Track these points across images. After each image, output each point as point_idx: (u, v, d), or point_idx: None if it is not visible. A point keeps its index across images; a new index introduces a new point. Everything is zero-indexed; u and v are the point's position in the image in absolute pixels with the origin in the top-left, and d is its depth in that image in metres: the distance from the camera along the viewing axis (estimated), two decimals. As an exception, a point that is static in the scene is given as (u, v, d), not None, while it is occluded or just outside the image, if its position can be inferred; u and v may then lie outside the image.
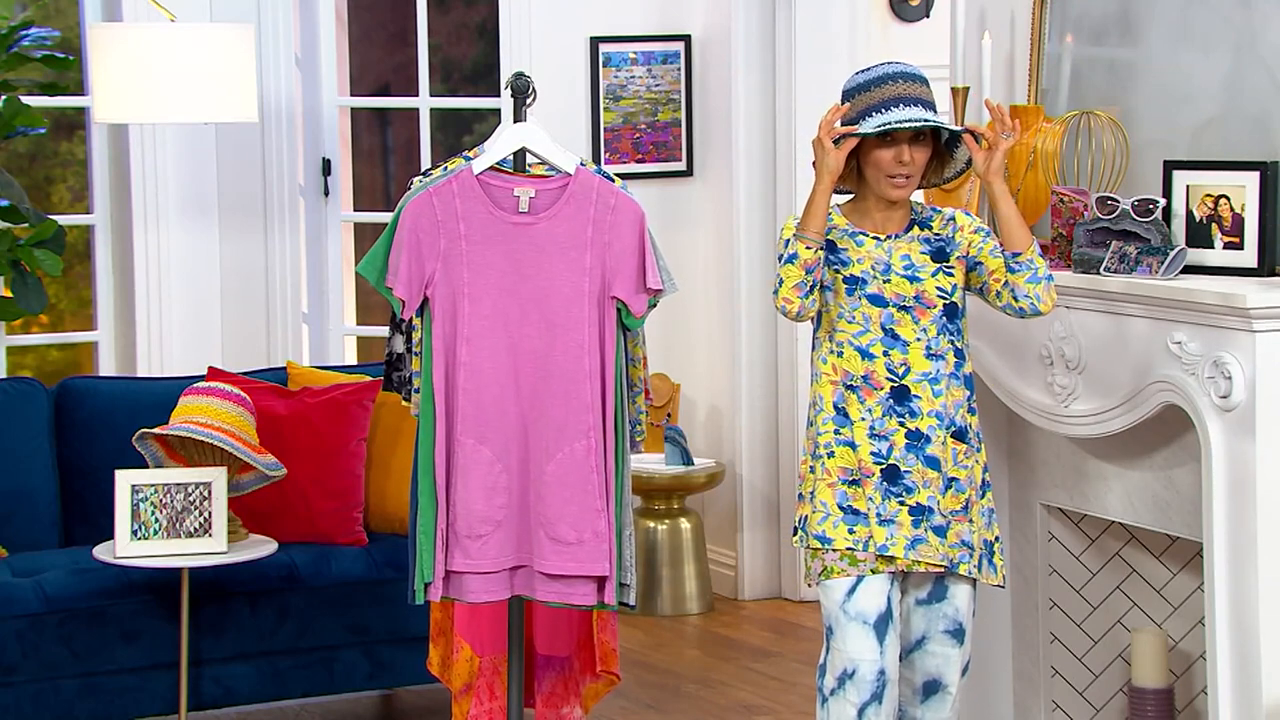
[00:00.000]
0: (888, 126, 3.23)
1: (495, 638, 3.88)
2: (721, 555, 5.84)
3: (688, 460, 5.60)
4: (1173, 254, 3.49)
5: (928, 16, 6.05)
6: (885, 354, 3.31)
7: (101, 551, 4.19)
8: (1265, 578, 3.29)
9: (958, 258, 3.35)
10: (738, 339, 5.71)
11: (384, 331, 4.42)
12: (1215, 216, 3.50)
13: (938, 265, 3.34)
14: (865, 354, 3.32)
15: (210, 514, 4.14)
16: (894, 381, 3.31)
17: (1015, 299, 3.31)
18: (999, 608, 4.05)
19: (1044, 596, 3.99)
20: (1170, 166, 3.58)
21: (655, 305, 3.41)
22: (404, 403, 3.96)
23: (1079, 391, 3.65)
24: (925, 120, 3.24)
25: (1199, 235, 3.52)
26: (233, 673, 4.38)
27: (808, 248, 3.26)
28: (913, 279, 3.32)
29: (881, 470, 3.30)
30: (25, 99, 5.08)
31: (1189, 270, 3.51)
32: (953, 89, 3.96)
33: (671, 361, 5.84)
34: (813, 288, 3.29)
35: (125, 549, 4.12)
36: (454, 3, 6.68)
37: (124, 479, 4.13)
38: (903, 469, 3.30)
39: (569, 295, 3.35)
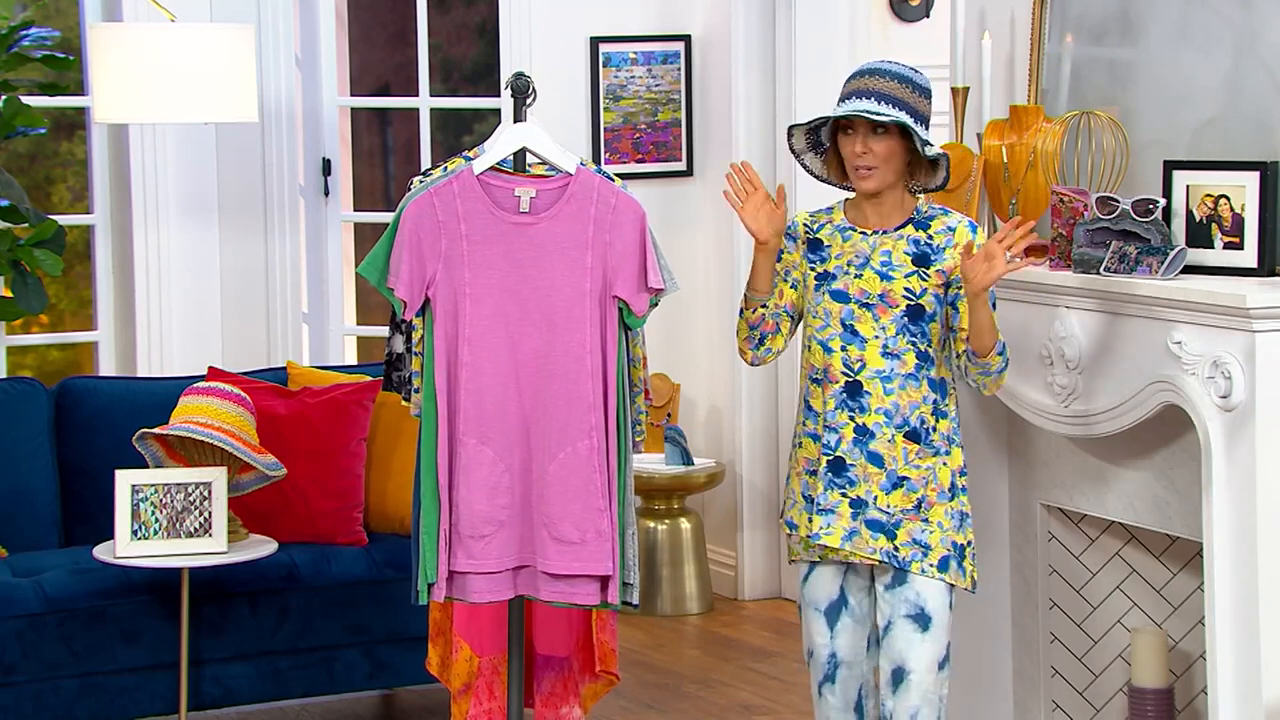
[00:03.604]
0: (814, 119, 3.36)
1: (494, 638, 3.88)
2: (721, 555, 5.84)
3: (688, 460, 5.60)
4: (1173, 254, 3.49)
5: (928, 16, 6.05)
6: (843, 349, 3.38)
7: (101, 551, 4.19)
8: (1265, 578, 3.29)
9: (938, 270, 3.37)
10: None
11: (384, 331, 4.42)
12: (1215, 216, 3.51)
13: (915, 268, 3.36)
14: (826, 348, 3.41)
15: (210, 514, 4.14)
16: (849, 376, 3.37)
17: (964, 373, 3.41)
18: (999, 607, 4.06)
19: (1044, 596, 3.99)
20: (1170, 166, 3.58)
21: (656, 304, 3.41)
22: (404, 403, 3.96)
23: (1079, 391, 3.65)
24: (855, 111, 3.26)
25: (1199, 235, 3.52)
26: (233, 673, 4.38)
27: (749, 308, 3.44)
28: (885, 276, 3.36)
29: (828, 461, 3.39)
30: (25, 99, 5.08)
31: (1189, 270, 3.51)
32: (953, 89, 3.96)
33: (671, 361, 5.84)
34: (762, 339, 3.46)
35: (125, 549, 4.12)
36: (454, 3, 6.69)
37: (124, 479, 4.14)
38: (848, 462, 3.37)
39: (570, 295, 3.35)
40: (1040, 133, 3.81)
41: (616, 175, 3.47)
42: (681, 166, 5.86)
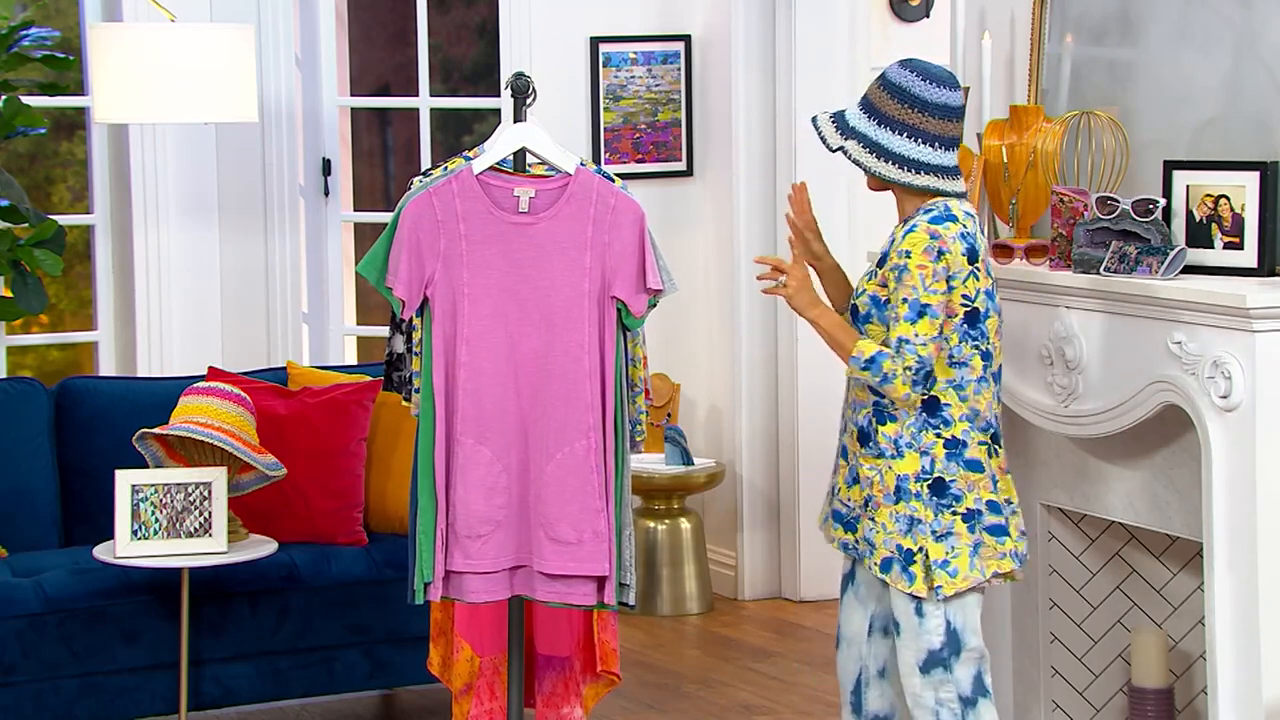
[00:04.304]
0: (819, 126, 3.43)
1: (495, 638, 3.88)
2: (721, 555, 5.84)
3: (688, 460, 5.60)
4: (1173, 254, 3.49)
5: (928, 16, 6.05)
6: None
7: (101, 551, 4.19)
8: (1265, 577, 3.29)
9: (883, 273, 3.39)
10: (738, 339, 5.71)
11: (384, 331, 4.42)
12: (1215, 216, 3.50)
13: (874, 268, 3.42)
14: None
15: (210, 514, 4.14)
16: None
17: None
18: (999, 607, 4.06)
19: (1044, 596, 3.99)
20: (1170, 166, 3.58)
21: (655, 305, 3.41)
22: (404, 403, 3.96)
23: (1079, 391, 3.65)
24: (819, 119, 3.40)
25: (1199, 235, 3.52)
26: (233, 673, 4.38)
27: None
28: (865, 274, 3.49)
29: (838, 447, 3.53)
30: (25, 99, 5.08)
31: (1189, 270, 3.51)
32: (953, 89, 3.96)
33: (671, 361, 5.83)
34: None
35: (125, 549, 4.12)
36: (454, 3, 6.69)
37: (124, 479, 4.14)
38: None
39: (569, 295, 3.35)
40: (1040, 133, 3.81)
41: (616, 175, 3.47)
42: (681, 166, 5.86)
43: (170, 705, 4.31)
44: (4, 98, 5.01)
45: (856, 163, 3.37)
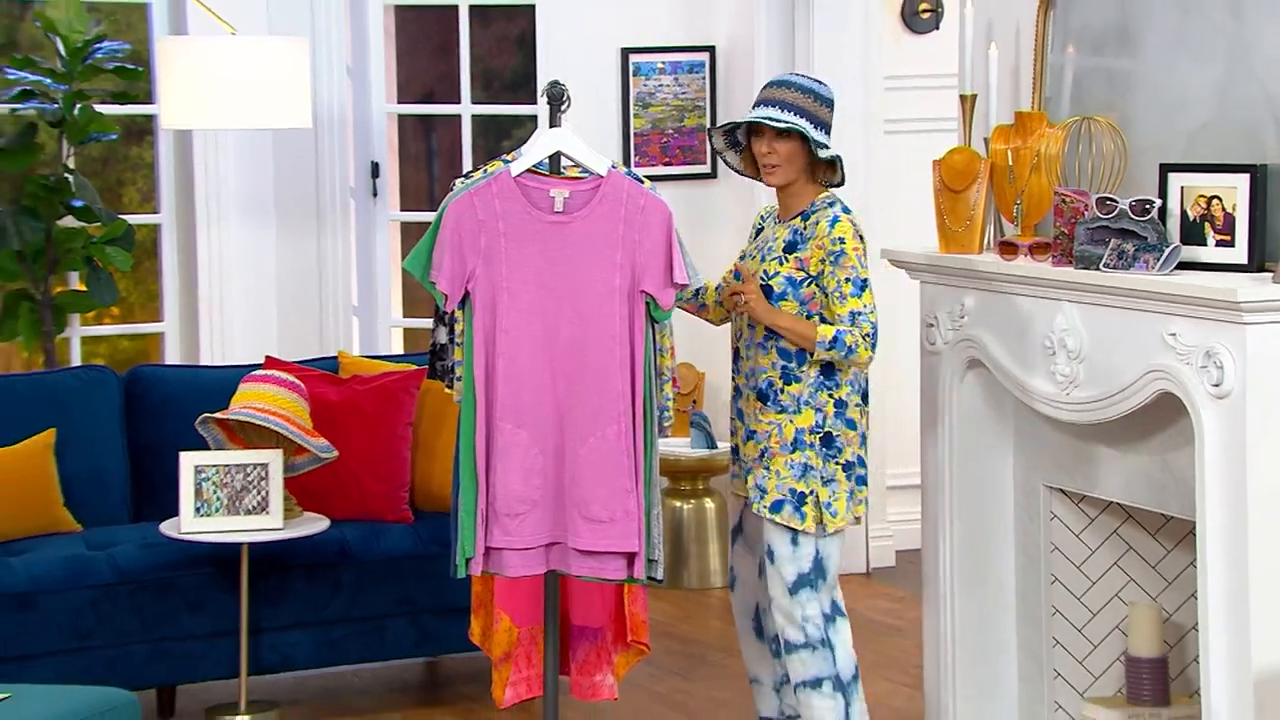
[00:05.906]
0: (727, 123, 3.71)
1: (532, 609, 3.90)
2: (744, 533, 5.84)
3: (712, 444, 5.61)
4: (1168, 251, 3.48)
5: (937, 28, 6.03)
6: (736, 320, 3.76)
7: (168, 527, 4.23)
8: (1254, 554, 3.29)
9: (797, 257, 3.63)
10: (759, 330, 5.70)
11: (429, 323, 4.44)
12: (1208, 216, 3.49)
13: (782, 253, 3.64)
14: (734, 318, 3.77)
15: (267, 493, 4.17)
16: (735, 344, 3.76)
17: None
18: (1004, 583, 4.06)
19: (1046, 572, 3.99)
20: (1166, 169, 3.57)
21: (682, 299, 3.43)
22: (447, 390, 3.98)
23: (1080, 380, 3.64)
24: (758, 118, 3.59)
25: (1193, 234, 3.51)
26: (290, 640, 4.42)
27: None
28: (764, 258, 3.67)
29: (733, 411, 3.78)
30: (98, 107, 5.13)
31: (1183, 266, 3.50)
32: (961, 96, 3.96)
33: (696, 351, 5.84)
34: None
35: (189, 525, 4.16)
36: (495, 16, 6.70)
37: (188, 460, 4.17)
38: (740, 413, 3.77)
39: (601, 290, 3.36)
40: (1043, 137, 3.80)
41: (645, 177, 3.48)
42: (706, 169, 5.86)
43: (232, 670, 4.35)
44: (79, 106, 5.05)
45: (842, 171, 3.65)
